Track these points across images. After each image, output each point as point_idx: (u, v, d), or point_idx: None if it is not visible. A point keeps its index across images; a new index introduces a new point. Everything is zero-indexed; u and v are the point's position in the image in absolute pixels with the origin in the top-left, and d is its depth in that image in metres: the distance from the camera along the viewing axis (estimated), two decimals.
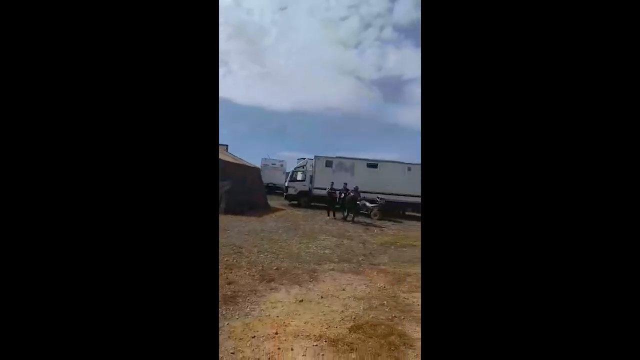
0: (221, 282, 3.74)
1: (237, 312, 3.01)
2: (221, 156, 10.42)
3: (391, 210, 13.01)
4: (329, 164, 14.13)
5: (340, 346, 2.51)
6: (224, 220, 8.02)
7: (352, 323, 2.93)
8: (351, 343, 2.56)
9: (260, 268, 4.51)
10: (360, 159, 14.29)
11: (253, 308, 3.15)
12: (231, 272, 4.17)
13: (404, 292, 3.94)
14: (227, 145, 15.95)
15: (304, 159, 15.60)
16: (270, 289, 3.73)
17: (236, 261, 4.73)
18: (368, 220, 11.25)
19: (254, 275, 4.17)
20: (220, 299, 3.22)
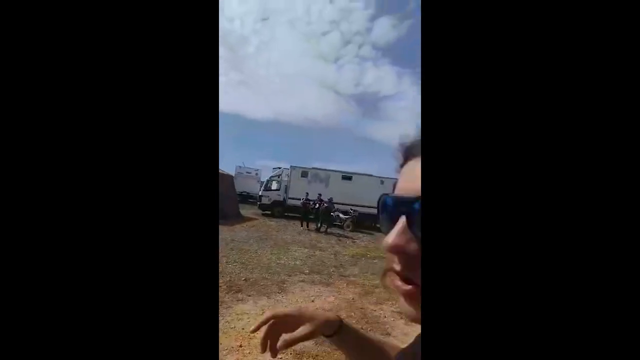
0: None
1: None
2: None
3: (363, 222, 13.21)
4: (304, 174, 14.17)
5: (305, 359, 2.48)
6: None
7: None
8: (317, 355, 2.53)
9: (227, 279, 4.36)
10: (335, 171, 14.49)
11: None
12: None
13: (371, 304, 3.98)
14: None
15: (280, 168, 15.53)
16: (237, 300, 3.62)
17: None
18: (341, 232, 11.32)
19: (220, 286, 4.02)
20: None
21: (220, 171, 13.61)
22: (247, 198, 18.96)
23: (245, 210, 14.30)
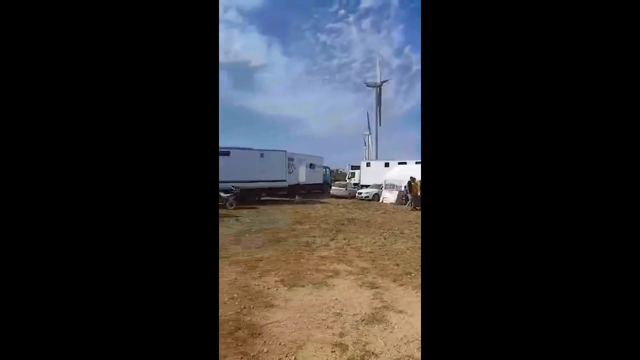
0: None
1: None
2: None
3: (247, 197, 12.93)
4: None
5: None
6: None
7: None
8: None
9: None
10: None
11: None
12: None
13: (254, 279, 3.93)
14: None
15: None
16: None
17: None
18: (224, 211, 10.73)
19: None
20: None
21: None
22: None
23: None
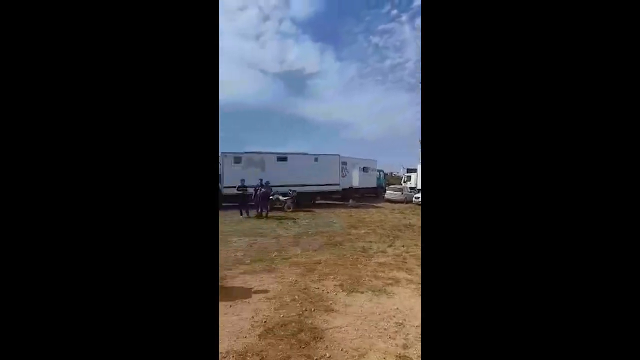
0: None
1: None
2: None
3: (303, 200, 13.35)
4: (237, 160, 13.44)
5: (249, 358, 2.38)
6: None
7: (262, 328, 2.81)
8: (261, 351, 2.45)
9: None
10: (269, 153, 14.07)
11: None
12: None
13: (313, 282, 4.02)
14: None
15: None
16: None
17: None
18: (282, 214, 11.23)
19: None
20: None
21: None
22: None
23: None
